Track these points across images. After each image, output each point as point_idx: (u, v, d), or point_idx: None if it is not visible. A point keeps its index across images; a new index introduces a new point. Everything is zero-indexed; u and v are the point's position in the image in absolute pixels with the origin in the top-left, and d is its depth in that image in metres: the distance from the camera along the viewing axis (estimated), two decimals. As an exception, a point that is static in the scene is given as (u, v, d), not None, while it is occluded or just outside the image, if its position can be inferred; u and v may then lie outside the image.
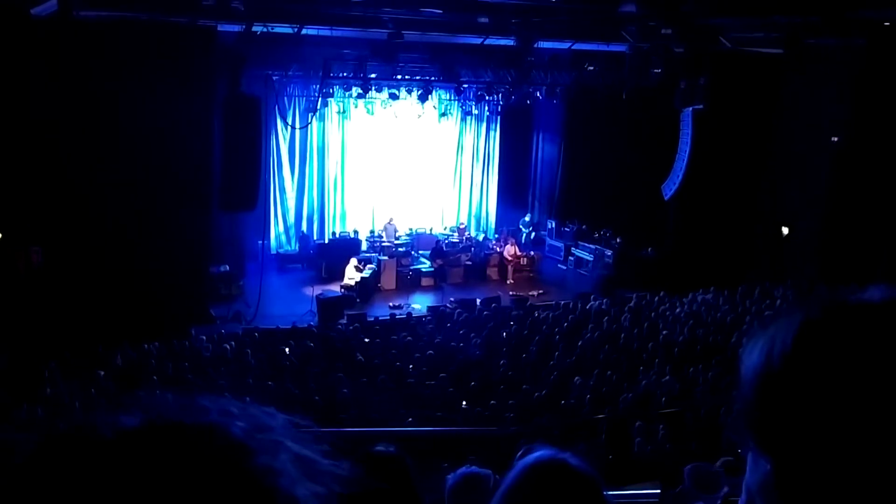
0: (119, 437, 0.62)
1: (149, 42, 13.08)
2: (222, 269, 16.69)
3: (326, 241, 20.03)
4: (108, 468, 0.60)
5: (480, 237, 22.00)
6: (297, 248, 19.99)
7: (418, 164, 21.81)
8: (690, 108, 17.60)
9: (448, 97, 20.49)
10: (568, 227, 21.00)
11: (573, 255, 20.37)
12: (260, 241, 17.98)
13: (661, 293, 15.79)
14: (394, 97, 18.64)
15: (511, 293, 17.64)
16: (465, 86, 18.94)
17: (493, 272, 19.55)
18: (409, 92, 18.49)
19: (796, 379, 0.75)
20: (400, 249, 19.26)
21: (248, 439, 0.65)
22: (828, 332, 0.75)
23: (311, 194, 20.56)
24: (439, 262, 18.75)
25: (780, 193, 17.71)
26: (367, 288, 17.21)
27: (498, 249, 19.98)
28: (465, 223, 22.19)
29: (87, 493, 0.58)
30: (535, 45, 16.77)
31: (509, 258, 19.37)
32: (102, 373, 10.68)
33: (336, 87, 18.35)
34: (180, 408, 0.67)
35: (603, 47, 17.45)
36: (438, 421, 9.36)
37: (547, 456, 1.48)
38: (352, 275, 17.19)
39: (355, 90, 18.00)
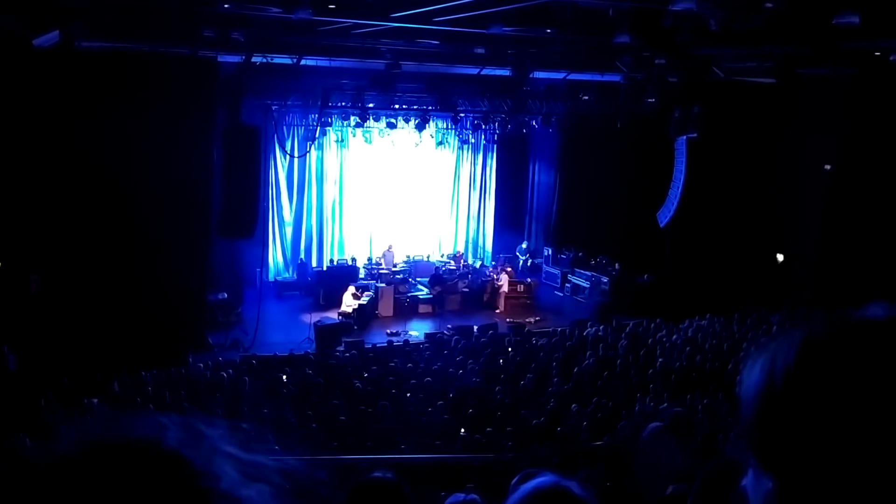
0: (50, 465, 0.64)
1: (150, 72, 13.24)
2: (220, 296, 16.69)
3: (324, 269, 20.07)
4: (41, 496, 0.61)
5: (477, 264, 22.04)
6: (294, 275, 20.01)
7: (416, 193, 21.94)
8: (685, 137, 17.77)
9: (445, 126, 20.68)
10: (564, 255, 21.07)
11: (570, 281, 20.40)
12: (258, 269, 18.01)
13: (658, 320, 15.81)
14: (391, 126, 18.82)
15: (508, 320, 17.64)
16: (462, 115, 19.16)
17: (490, 299, 19.56)
18: (407, 121, 18.67)
19: (799, 397, 0.74)
20: (397, 277, 19.29)
21: (182, 447, 0.67)
22: (830, 351, 0.75)
23: (310, 222, 20.65)
24: (438, 289, 18.78)
25: (774, 220, 17.82)
26: (364, 315, 17.21)
27: (494, 276, 20.01)
28: (463, 250, 22.26)
29: None
30: (531, 76, 17.02)
31: (499, 286, 19.35)
32: (96, 400, 10.63)
33: (334, 117, 18.57)
34: (110, 428, 0.69)
35: (598, 77, 17.68)
36: (436, 448, 9.34)
37: (548, 482, 1.47)
38: (349, 302, 17.20)
39: (353, 119, 18.21)
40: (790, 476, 0.75)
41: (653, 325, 15.60)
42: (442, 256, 21.91)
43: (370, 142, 20.39)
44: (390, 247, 20.58)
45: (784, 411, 0.75)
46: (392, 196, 21.55)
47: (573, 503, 1.44)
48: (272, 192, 19.52)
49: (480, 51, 15.52)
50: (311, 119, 18.23)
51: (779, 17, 11.91)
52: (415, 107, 18.34)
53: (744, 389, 0.80)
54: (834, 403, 0.72)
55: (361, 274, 19.88)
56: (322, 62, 15.35)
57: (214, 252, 16.04)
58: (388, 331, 16.65)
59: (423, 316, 18.26)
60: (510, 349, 14.16)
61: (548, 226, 22.61)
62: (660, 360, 13.07)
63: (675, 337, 14.68)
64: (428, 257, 21.39)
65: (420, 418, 10.49)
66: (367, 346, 14.89)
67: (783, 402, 0.75)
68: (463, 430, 10.19)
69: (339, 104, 17.45)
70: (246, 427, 0.77)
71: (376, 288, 18.42)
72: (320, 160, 20.50)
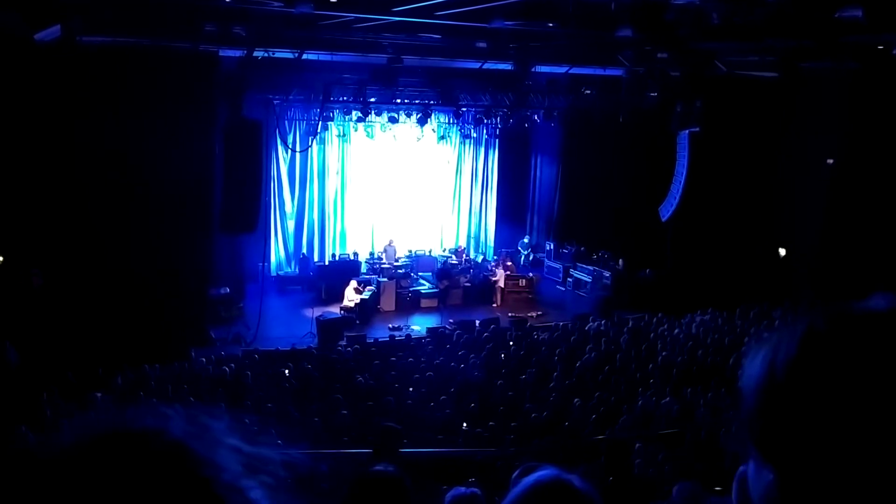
0: (53, 457, 0.64)
1: (151, 67, 13.23)
2: (222, 291, 16.71)
3: (326, 263, 20.08)
4: (45, 489, 0.62)
5: (479, 259, 22.05)
6: (296, 270, 20.03)
7: (417, 187, 21.93)
8: (687, 131, 17.74)
9: (447, 120, 20.65)
10: (566, 249, 21.06)
11: (572, 276, 20.41)
12: (260, 264, 18.03)
13: (660, 314, 15.82)
14: (393, 121, 18.81)
15: (510, 314, 17.66)
16: (464, 109, 19.14)
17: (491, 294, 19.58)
18: (409, 115, 18.66)
19: (800, 388, 0.74)
20: (399, 271, 19.30)
21: (186, 438, 0.68)
22: (832, 342, 0.74)
23: (311, 217, 20.65)
24: (446, 283, 18.79)
25: (776, 215, 17.81)
26: (366, 310, 17.23)
27: (497, 271, 20.02)
28: (464, 245, 22.26)
29: None
30: (533, 70, 16.98)
31: (496, 280, 19.36)
32: (100, 395, 10.67)
33: (336, 111, 18.56)
34: (113, 420, 0.69)
35: (599, 71, 17.65)
36: (438, 443, 9.36)
37: (549, 476, 1.47)
38: (351, 297, 17.22)
39: (355, 114, 18.19)
40: (791, 467, 0.75)
41: (654, 319, 15.61)
42: (444, 251, 21.91)
43: (372, 136, 20.38)
44: (392, 241, 20.59)
45: (785, 402, 0.75)
46: (394, 191, 21.55)
47: (574, 496, 1.44)
48: (274, 186, 19.52)
49: (482, 45, 15.50)
50: (312, 113, 18.21)
51: (781, 11, 11.89)
52: (416, 101, 18.32)
53: (745, 380, 0.80)
54: (835, 395, 0.71)
55: (363, 268, 19.89)
56: (324, 56, 15.33)
57: (216, 247, 16.06)
58: (390, 325, 16.68)
59: (425, 310, 18.28)
60: (512, 344, 14.18)
61: (550, 220, 22.61)
62: (661, 354, 13.09)
63: (676, 331, 14.70)
64: (430, 252, 21.38)
65: (422, 413, 10.52)
66: (368, 341, 14.93)
67: (784, 393, 0.75)
68: (465, 424, 10.22)
69: (340, 98, 17.44)
70: (249, 420, 0.78)
71: (378, 282, 18.43)
72: (322, 155, 20.49)
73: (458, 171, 22.67)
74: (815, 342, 0.75)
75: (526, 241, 22.77)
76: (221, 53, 14.25)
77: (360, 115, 17.93)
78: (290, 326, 16.16)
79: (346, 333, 15.43)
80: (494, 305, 18.90)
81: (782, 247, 17.77)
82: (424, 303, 18.55)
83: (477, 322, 16.13)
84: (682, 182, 17.92)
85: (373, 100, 17.57)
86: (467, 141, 22.43)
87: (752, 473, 0.81)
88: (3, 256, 13.24)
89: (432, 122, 19.62)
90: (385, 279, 18.58)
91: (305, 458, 0.79)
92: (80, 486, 0.62)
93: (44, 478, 0.63)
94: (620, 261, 19.29)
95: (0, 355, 11.82)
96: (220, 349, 14.36)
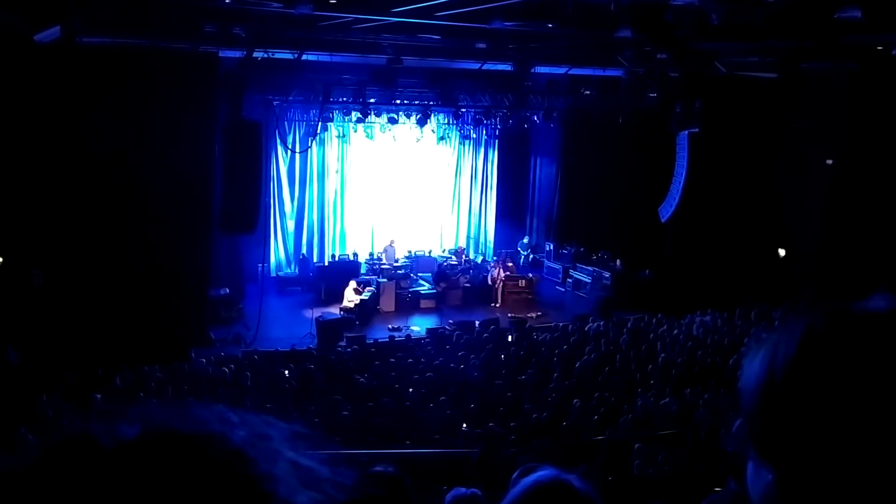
0: (119, 447, 0.63)
1: (151, 68, 13.23)
2: (222, 291, 16.71)
3: (326, 264, 20.08)
4: (108, 478, 0.61)
5: (479, 259, 22.05)
6: (296, 270, 20.03)
7: (417, 188, 21.93)
8: (686, 132, 17.74)
9: (446, 121, 20.65)
10: (566, 250, 21.06)
11: (571, 277, 20.41)
12: (260, 264, 18.03)
13: (659, 315, 15.82)
14: (393, 121, 18.81)
15: (510, 315, 17.66)
16: (464, 110, 19.15)
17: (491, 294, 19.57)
18: (408, 116, 18.66)
19: (799, 388, 0.74)
20: (399, 272, 19.30)
21: (247, 447, 0.67)
22: (832, 342, 0.74)
23: (311, 217, 20.66)
24: (443, 285, 18.78)
25: (776, 215, 17.81)
26: (366, 310, 17.22)
27: (491, 272, 20.02)
28: (464, 246, 22.26)
29: (89, 502, 0.60)
30: (533, 70, 17.00)
31: (492, 282, 19.35)
32: (100, 395, 10.67)
33: (336, 112, 18.58)
34: (179, 417, 0.68)
35: (599, 72, 17.66)
36: (438, 443, 9.36)
37: (548, 476, 1.47)
38: (351, 297, 17.22)
39: (355, 115, 18.20)
40: (790, 467, 0.75)
41: (654, 320, 15.61)
42: (443, 252, 21.92)
43: (371, 137, 20.39)
44: (392, 242, 20.59)
45: (784, 402, 0.75)
46: (393, 191, 21.55)
47: (573, 496, 1.44)
48: (273, 187, 19.53)
49: (482, 46, 15.51)
50: (312, 114, 18.22)
51: (780, 12, 11.91)
52: (416, 102, 18.33)
53: (744, 380, 0.80)
54: (834, 395, 0.71)
55: (363, 269, 19.89)
56: (323, 57, 15.34)
57: (216, 247, 16.07)
58: (390, 326, 16.67)
59: (425, 311, 18.28)
60: (512, 344, 14.18)
61: (549, 221, 22.60)
62: (661, 355, 13.09)
63: (676, 332, 14.70)
64: (429, 252, 21.38)
65: (422, 413, 10.52)
66: (368, 342, 14.92)
67: (784, 393, 0.75)
68: (465, 424, 10.22)
69: (340, 99, 17.45)
70: (305, 431, 0.77)
71: (378, 283, 18.43)
72: (322, 155, 20.50)
73: (458, 171, 22.67)
74: (814, 342, 0.75)
75: (525, 241, 22.78)
76: (221, 54, 14.25)
77: (359, 115, 17.94)
78: (290, 327, 16.16)
79: (346, 334, 15.43)
80: (494, 306, 18.90)
81: (782, 247, 17.77)
82: (424, 303, 18.55)
83: (476, 323, 16.13)
84: (682, 182, 17.92)
85: (372, 100, 17.58)
86: (467, 141, 22.43)
87: (751, 473, 0.81)
88: (3, 257, 13.23)
89: (432, 123, 19.63)
90: (385, 280, 18.58)
91: (356, 480, 0.78)
92: (139, 482, 0.61)
93: (107, 467, 0.62)
94: (618, 261, 19.29)
95: (1, 355, 11.82)
96: (219, 350, 14.36)
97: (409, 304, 18.29)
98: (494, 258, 21.87)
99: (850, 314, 0.77)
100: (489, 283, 19.38)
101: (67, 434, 0.65)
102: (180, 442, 0.65)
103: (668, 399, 10.75)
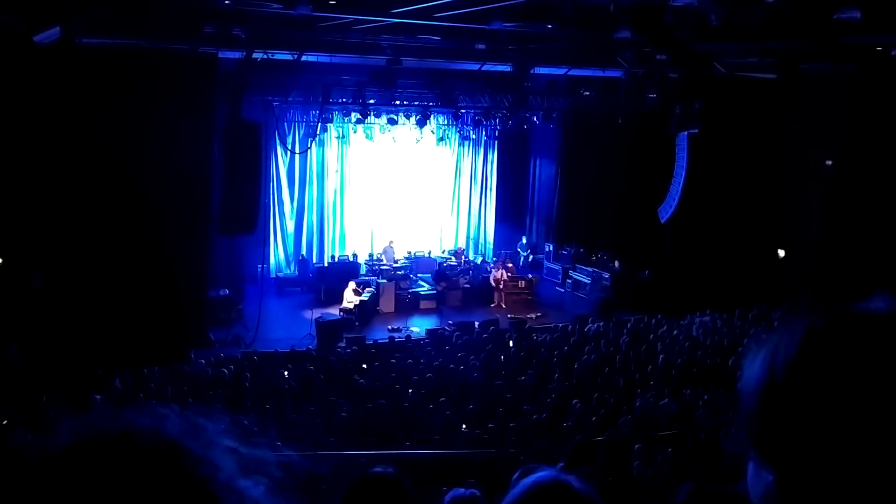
0: (44, 459, 0.65)
1: (150, 69, 13.23)
2: (222, 292, 16.71)
3: (325, 265, 20.08)
4: (38, 490, 0.62)
5: (479, 260, 22.05)
6: (296, 271, 20.03)
7: (416, 188, 21.93)
8: (686, 132, 17.75)
9: (446, 122, 20.65)
10: (566, 250, 21.06)
11: (571, 277, 20.41)
12: (259, 265, 18.02)
13: (659, 316, 15.82)
14: (392, 122, 18.82)
15: (509, 316, 17.66)
16: (463, 111, 19.15)
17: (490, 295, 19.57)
18: (408, 117, 18.67)
19: (800, 390, 0.74)
20: (398, 273, 19.30)
21: (182, 436, 0.68)
22: (832, 343, 0.75)
23: (311, 218, 20.66)
24: (443, 285, 18.78)
25: (775, 216, 17.82)
26: (365, 311, 17.22)
27: (493, 272, 20.01)
28: (464, 246, 22.26)
29: None
30: (532, 71, 17.01)
31: (495, 283, 19.36)
32: (99, 397, 10.67)
33: (335, 113, 18.59)
34: (108, 420, 0.69)
35: (599, 73, 17.67)
36: (437, 444, 9.36)
37: (548, 477, 1.47)
38: (350, 298, 17.22)
39: (354, 115, 18.21)
40: (790, 468, 0.75)
41: (654, 320, 15.60)
42: (443, 252, 21.91)
43: (371, 138, 20.41)
44: (391, 243, 20.59)
45: (785, 403, 0.75)
46: (393, 192, 21.55)
47: (572, 497, 1.43)
48: (273, 188, 19.53)
49: (481, 46, 15.51)
50: (311, 115, 18.23)
51: (780, 13, 11.91)
52: (416, 103, 18.33)
53: (745, 381, 0.80)
54: (834, 396, 0.72)
55: (362, 270, 19.89)
56: (323, 58, 15.35)
57: (215, 248, 16.06)
58: (390, 327, 16.66)
59: (425, 312, 18.27)
60: (511, 345, 14.17)
61: (549, 222, 22.61)
62: (661, 355, 13.08)
63: (675, 332, 14.70)
64: (429, 253, 21.39)
65: (421, 414, 10.52)
66: (368, 342, 14.92)
67: (784, 393, 0.75)
68: (464, 425, 10.21)
69: (339, 100, 17.45)
70: (247, 422, 0.78)
71: (377, 284, 18.43)
72: (321, 156, 20.50)
73: (458, 172, 22.68)
74: (815, 343, 0.76)
75: (524, 241, 22.78)
76: (221, 55, 14.26)
77: (359, 116, 17.95)
78: (290, 328, 16.15)
79: (346, 335, 15.43)
80: (494, 307, 18.90)
81: (781, 248, 17.78)
82: (423, 304, 18.55)
83: (476, 323, 16.13)
84: (682, 183, 17.93)
85: (372, 101, 17.58)
86: (466, 142, 22.44)
87: (751, 474, 0.81)
88: (2, 258, 13.23)
89: (431, 124, 19.64)
90: (384, 281, 18.58)
91: (303, 460, 0.78)
92: (74, 487, 0.62)
93: (38, 479, 0.63)
94: (616, 262, 19.29)
95: (4, 356, 11.82)
96: (219, 351, 14.36)
97: (408, 305, 18.30)
98: (494, 259, 21.88)
99: (850, 315, 0.77)
100: (492, 283, 19.37)
101: None
102: (110, 441, 0.66)
103: (667, 400, 10.75)
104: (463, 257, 21.11)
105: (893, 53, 13.83)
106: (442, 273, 19.15)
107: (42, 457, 0.64)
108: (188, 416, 0.72)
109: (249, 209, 15.25)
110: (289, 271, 20.10)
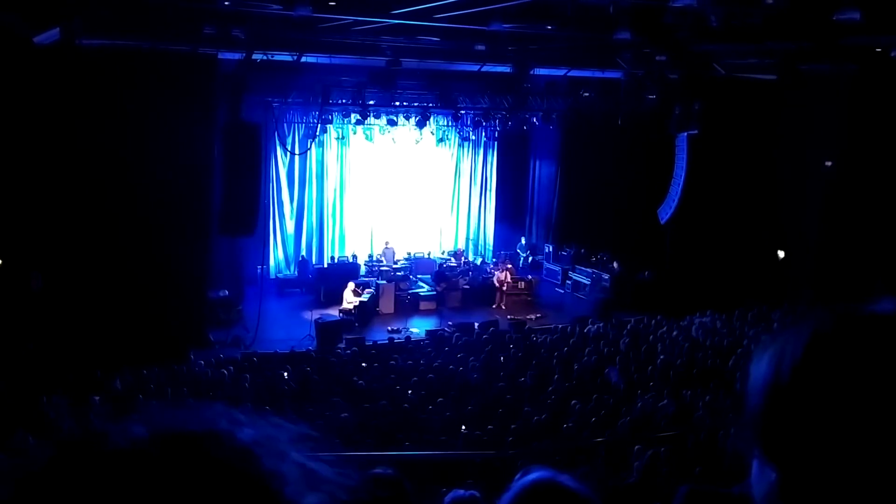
0: (131, 446, 0.64)
1: (150, 70, 13.23)
2: (221, 293, 16.71)
3: (325, 266, 20.08)
4: (121, 477, 0.61)
5: (478, 261, 22.05)
6: (295, 272, 20.03)
7: (416, 189, 21.95)
8: (685, 133, 17.76)
9: (446, 123, 20.66)
10: (565, 251, 21.07)
11: (571, 278, 20.41)
12: (259, 266, 18.02)
13: (659, 316, 15.82)
14: (392, 123, 18.82)
15: (509, 317, 17.66)
16: (463, 112, 19.15)
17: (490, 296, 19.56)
18: (408, 118, 18.67)
19: (805, 390, 0.74)
20: (398, 274, 19.30)
21: (255, 446, 0.67)
22: (838, 344, 0.75)
23: (310, 219, 20.66)
24: (443, 285, 18.78)
25: (775, 217, 17.82)
26: (365, 312, 17.22)
27: (496, 273, 20.01)
28: (463, 247, 22.26)
29: (100, 501, 0.60)
30: (532, 72, 17.01)
31: (499, 284, 19.35)
32: (98, 398, 10.65)
33: (335, 114, 18.58)
34: (187, 417, 0.69)
35: (598, 74, 17.67)
36: (437, 445, 9.35)
37: (544, 477, 1.48)
38: (350, 299, 17.22)
39: (354, 116, 18.21)
40: (794, 468, 0.75)
41: (653, 321, 15.61)
42: (443, 253, 21.93)
43: (371, 139, 20.42)
44: (390, 244, 20.60)
45: (790, 403, 0.75)
46: (393, 193, 21.56)
47: (566, 496, 1.45)
48: (273, 189, 19.54)
49: (481, 47, 15.50)
50: (311, 116, 18.22)
51: (779, 14, 11.90)
52: (415, 104, 18.33)
53: (751, 381, 0.81)
54: (840, 397, 0.72)
55: (362, 271, 19.89)
56: (322, 59, 15.35)
57: (215, 249, 16.06)
58: (389, 328, 16.66)
59: (424, 313, 18.28)
60: (511, 346, 14.17)
61: (548, 223, 22.61)
62: (661, 356, 13.08)
63: (675, 333, 14.69)
64: (429, 254, 21.40)
65: (421, 415, 10.51)
66: (368, 343, 14.91)
67: (790, 393, 0.75)
68: (464, 426, 10.21)
69: (339, 101, 17.45)
70: (309, 432, 0.77)
71: (377, 285, 18.43)
72: (321, 157, 20.51)
73: (457, 173, 22.69)
74: (821, 344, 0.76)
75: (523, 242, 22.78)
76: (220, 56, 14.27)
77: (358, 117, 17.95)
78: (289, 329, 16.15)
79: (346, 336, 15.43)
80: (493, 307, 18.90)
81: (781, 249, 17.79)
82: (423, 305, 18.55)
83: (476, 324, 16.13)
84: (681, 184, 17.94)
85: (372, 102, 17.59)
86: (466, 143, 22.45)
87: (755, 473, 0.82)
88: (2, 259, 13.23)
89: (431, 125, 19.64)
90: (384, 281, 18.58)
91: (364, 483, 0.78)
92: (146, 482, 0.61)
93: (111, 470, 0.62)
94: (616, 262, 19.29)
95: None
96: (219, 352, 14.35)
97: (408, 306, 18.29)
98: (494, 260, 21.88)
99: (856, 316, 0.77)
100: (496, 284, 19.36)
101: (78, 433, 0.65)
102: (189, 441, 0.65)
103: (666, 401, 10.75)
104: (462, 258, 21.12)
105: (893, 54, 13.83)
106: (441, 274, 19.16)
107: (115, 446, 0.63)
108: (261, 424, 0.71)
109: (249, 210, 15.24)
110: (288, 272, 20.10)
